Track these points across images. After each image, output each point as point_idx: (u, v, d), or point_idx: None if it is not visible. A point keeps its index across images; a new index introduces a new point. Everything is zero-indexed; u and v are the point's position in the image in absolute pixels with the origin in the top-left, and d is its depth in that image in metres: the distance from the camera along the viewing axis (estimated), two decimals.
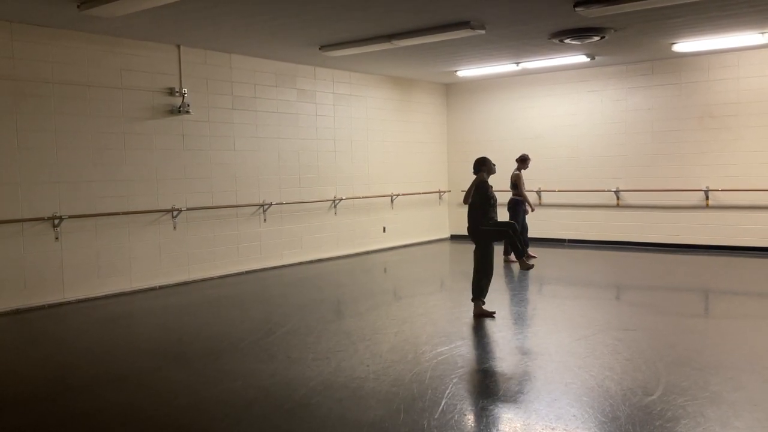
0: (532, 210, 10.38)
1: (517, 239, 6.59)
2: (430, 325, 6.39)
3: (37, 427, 4.13)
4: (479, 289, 6.62)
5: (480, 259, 6.62)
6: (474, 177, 6.67)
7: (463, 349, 5.48)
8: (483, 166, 6.67)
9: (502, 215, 8.49)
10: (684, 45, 9.59)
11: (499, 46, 9.37)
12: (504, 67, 11.17)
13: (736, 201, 10.60)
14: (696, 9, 7.41)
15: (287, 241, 10.45)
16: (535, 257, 10.59)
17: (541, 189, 12.36)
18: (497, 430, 3.87)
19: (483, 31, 8.04)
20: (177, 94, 8.85)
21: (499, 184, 8.48)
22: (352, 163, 11.58)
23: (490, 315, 6.54)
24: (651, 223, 11.44)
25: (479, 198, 6.56)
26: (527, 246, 10.38)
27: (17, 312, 7.36)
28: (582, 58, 10.49)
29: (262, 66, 10.00)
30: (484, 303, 6.64)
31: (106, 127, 8.15)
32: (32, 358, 5.76)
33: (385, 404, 4.26)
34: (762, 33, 8.87)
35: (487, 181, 6.66)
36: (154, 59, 8.63)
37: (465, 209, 6.75)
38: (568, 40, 8.67)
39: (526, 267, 6.69)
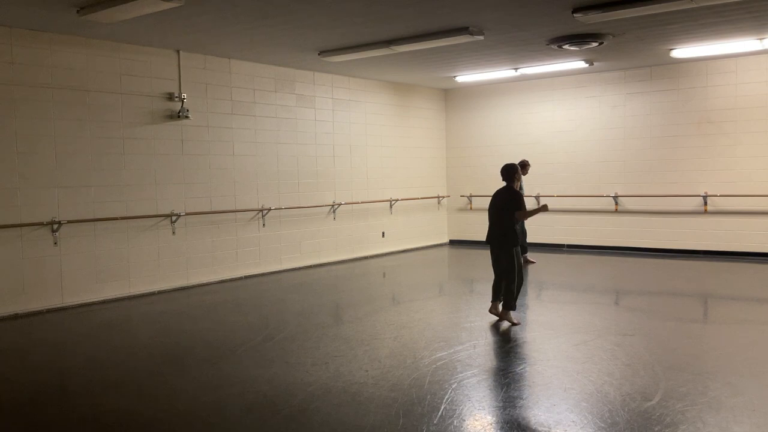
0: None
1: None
2: (429, 330, 6.39)
3: None
4: (511, 295, 6.63)
5: (513, 264, 6.61)
6: (503, 183, 6.70)
7: (462, 354, 5.48)
8: (516, 174, 6.70)
9: None
10: (682, 51, 9.61)
11: (497, 52, 9.39)
12: (503, 72, 11.20)
13: (734, 206, 10.62)
14: (694, 15, 7.44)
15: (286, 246, 10.45)
16: (534, 262, 10.61)
17: (540, 194, 12.37)
18: None
19: (482, 37, 8.07)
20: (176, 99, 8.87)
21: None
22: (351, 168, 11.59)
23: (514, 323, 6.57)
24: (649, 228, 11.45)
25: (514, 205, 6.60)
26: (526, 251, 10.41)
27: (16, 317, 7.36)
28: (580, 64, 10.52)
29: (262, 71, 10.02)
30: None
31: (105, 132, 8.16)
32: (31, 363, 5.75)
33: (383, 409, 4.26)
34: (760, 39, 8.90)
35: None
36: (153, 64, 8.64)
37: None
38: (566, 46, 8.70)
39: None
